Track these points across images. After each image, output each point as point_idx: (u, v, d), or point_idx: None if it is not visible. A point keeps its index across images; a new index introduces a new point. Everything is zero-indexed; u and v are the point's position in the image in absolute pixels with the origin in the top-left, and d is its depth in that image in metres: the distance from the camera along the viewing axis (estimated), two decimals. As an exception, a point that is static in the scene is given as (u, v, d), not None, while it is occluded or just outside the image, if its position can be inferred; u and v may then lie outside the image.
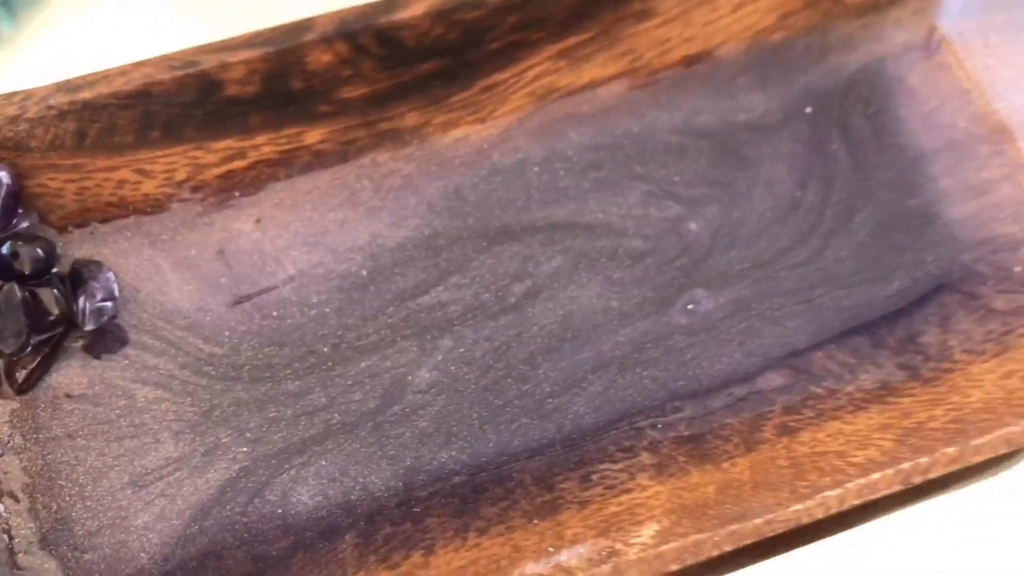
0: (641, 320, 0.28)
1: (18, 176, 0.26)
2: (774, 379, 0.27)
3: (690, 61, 0.30)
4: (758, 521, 0.22)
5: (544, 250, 0.28)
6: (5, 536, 0.23)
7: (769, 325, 0.28)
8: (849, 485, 0.22)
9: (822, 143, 0.30)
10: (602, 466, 0.25)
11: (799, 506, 0.22)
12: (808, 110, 0.31)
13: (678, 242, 0.29)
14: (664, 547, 0.22)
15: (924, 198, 0.29)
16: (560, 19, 0.29)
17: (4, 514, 0.24)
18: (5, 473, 0.24)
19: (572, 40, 0.29)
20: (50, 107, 0.26)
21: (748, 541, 0.22)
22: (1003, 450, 0.23)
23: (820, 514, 0.22)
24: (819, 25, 0.31)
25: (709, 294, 0.28)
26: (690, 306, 0.28)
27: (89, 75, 0.26)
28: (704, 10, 0.30)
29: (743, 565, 0.27)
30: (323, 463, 0.26)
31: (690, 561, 0.22)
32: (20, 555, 0.23)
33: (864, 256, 0.29)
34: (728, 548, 0.22)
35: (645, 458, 0.25)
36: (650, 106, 0.30)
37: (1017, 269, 0.28)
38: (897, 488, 0.23)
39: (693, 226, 0.29)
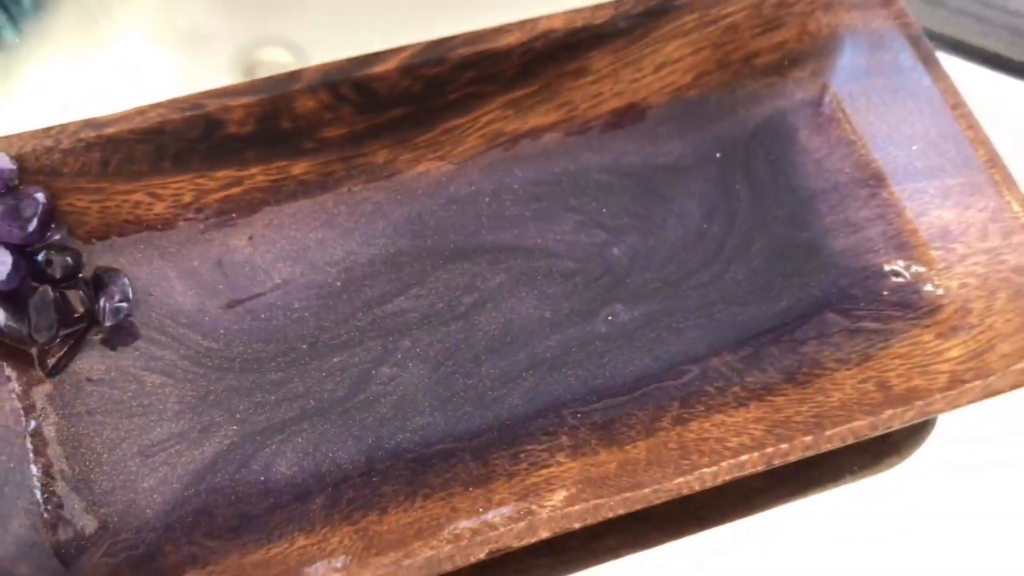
0: (569, 328, 0.33)
1: (52, 197, 0.31)
2: (675, 380, 0.32)
3: (619, 112, 0.36)
4: (647, 491, 0.27)
5: (490, 268, 0.34)
6: (38, 492, 0.28)
7: (674, 335, 0.33)
8: (722, 464, 0.28)
9: (728, 183, 0.35)
10: (529, 446, 0.30)
11: (680, 479, 0.27)
12: (718, 155, 0.36)
13: (602, 264, 0.34)
14: (569, 509, 0.27)
15: (812, 232, 0.35)
16: (509, 75, 0.34)
17: (37, 475, 0.29)
18: (42, 440, 0.29)
19: (519, 93, 0.34)
20: (80, 140, 0.31)
21: (639, 507, 0.27)
22: (850, 440, 0.29)
23: (698, 487, 0.28)
24: (729, 83, 0.36)
25: (626, 308, 0.33)
26: (610, 317, 0.33)
27: (113, 114, 0.31)
28: (631, 70, 0.35)
29: (674, 535, 0.32)
30: (299, 440, 0.31)
31: (590, 521, 0.27)
32: (49, 508, 0.28)
33: (758, 279, 0.34)
34: (622, 512, 0.27)
35: (564, 441, 0.30)
36: (584, 149, 0.35)
37: (885, 294, 0.34)
38: (761, 468, 0.28)
39: (616, 251, 0.34)
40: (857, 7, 0.35)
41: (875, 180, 0.35)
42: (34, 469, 0.29)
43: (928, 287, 0.33)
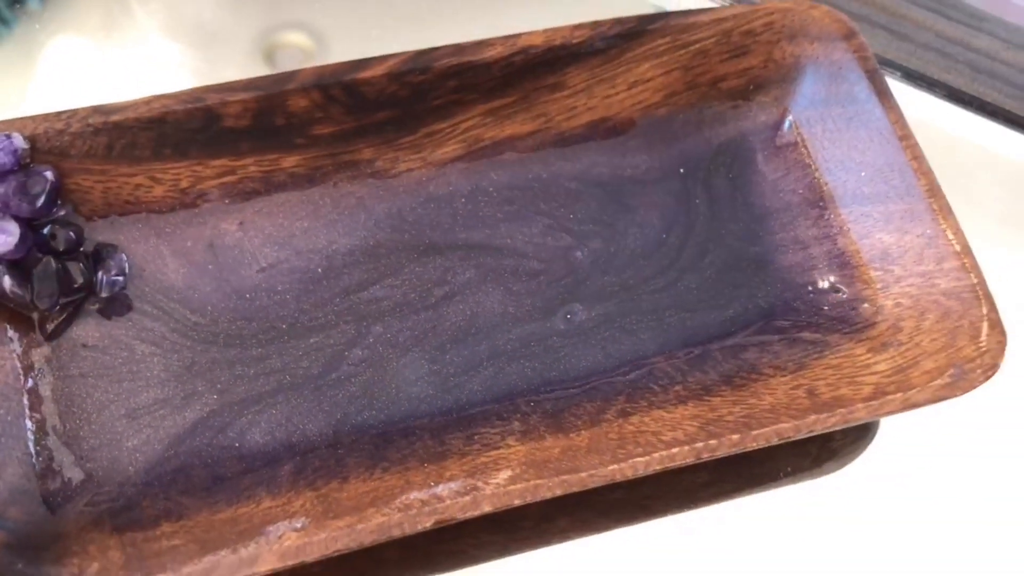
0: (529, 324, 0.35)
1: (60, 175, 0.34)
2: (624, 376, 0.34)
3: (591, 125, 0.38)
4: (583, 475, 0.30)
5: (462, 264, 0.36)
6: (31, 444, 0.31)
7: (627, 335, 0.35)
8: (654, 455, 0.30)
9: (689, 197, 0.38)
10: (483, 430, 0.33)
11: (615, 466, 0.30)
12: (681, 170, 0.38)
13: (566, 266, 0.36)
14: (511, 487, 0.29)
15: (762, 247, 0.37)
16: (489, 86, 0.36)
17: (32, 428, 0.31)
18: (38, 397, 0.32)
19: (497, 103, 0.37)
20: (88, 125, 0.34)
21: (575, 489, 0.30)
22: (775, 441, 0.31)
23: (630, 474, 0.30)
24: (697, 104, 0.39)
25: (584, 308, 0.36)
26: (568, 316, 0.36)
27: (120, 103, 0.34)
28: (605, 86, 0.38)
29: (621, 522, 0.35)
30: (273, 412, 0.33)
31: (529, 499, 0.29)
32: (40, 459, 0.31)
33: (709, 289, 0.36)
34: (559, 492, 0.30)
35: (516, 426, 0.33)
36: (556, 158, 0.38)
37: (825, 308, 0.36)
38: (691, 461, 0.31)
39: (579, 254, 0.37)
40: (820, 39, 0.38)
41: (824, 202, 0.37)
42: (29, 423, 0.31)
43: (865, 304, 0.35)
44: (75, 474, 0.31)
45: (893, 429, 0.39)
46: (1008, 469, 0.38)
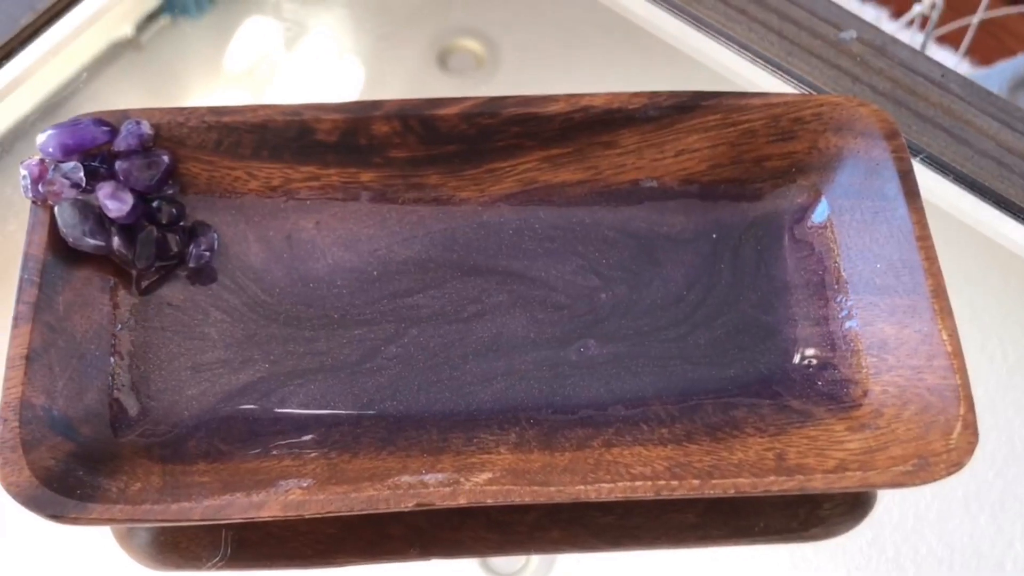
0: (545, 350, 0.39)
1: (175, 160, 0.40)
2: (619, 411, 0.38)
3: (636, 183, 0.42)
4: (552, 489, 0.33)
5: (497, 288, 0.41)
6: (111, 377, 0.38)
7: (631, 376, 0.39)
8: (618, 483, 0.34)
9: (715, 260, 0.41)
10: (482, 435, 0.37)
11: (580, 487, 0.33)
12: (714, 235, 0.42)
13: (589, 304, 0.40)
14: (487, 487, 0.33)
15: (774, 318, 0.40)
16: (548, 136, 0.41)
17: (114, 365, 0.38)
18: (123, 340, 0.38)
19: (554, 151, 0.41)
20: (203, 122, 0.40)
21: (541, 500, 0.33)
22: (731, 493, 0.34)
23: (594, 496, 0.33)
24: (739, 178, 0.42)
25: (597, 344, 0.40)
26: (582, 349, 0.40)
27: (232, 106, 0.40)
28: (654, 150, 0.41)
29: (609, 545, 0.38)
30: (312, 387, 0.38)
31: (501, 501, 0.33)
32: (115, 391, 0.38)
33: (716, 347, 0.40)
34: (528, 500, 0.34)
35: (511, 437, 0.37)
36: (600, 207, 0.42)
37: (819, 384, 0.39)
38: (651, 496, 0.34)
39: (603, 296, 0.41)
40: (864, 135, 0.40)
41: (839, 286, 0.40)
42: (112, 360, 0.38)
43: (855, 386, 0.38)
44: (139, 409, 0.37)
45: (890, 507, 0.41)
46: None
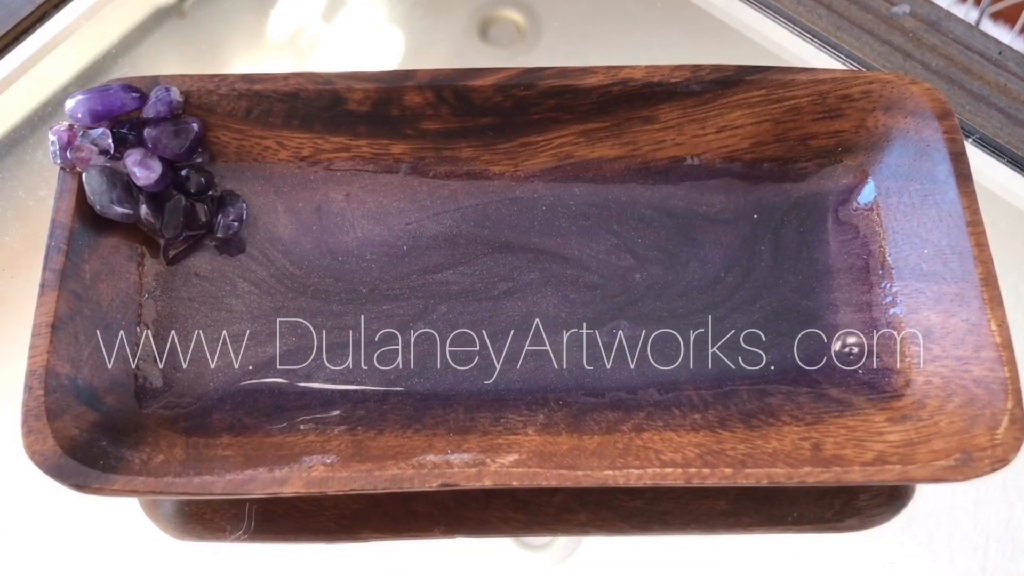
0: (577, 330, 0.38)
1: (204, 128, 0.40)
2: (651, 395, 0.37)
3: (676, 159, 0.41)
4: (579, 473, 0.33)
5: (529, 265, 0.40)
6: (136, 347, 0.37)
7: (663, 359, 0.38)
8: (647, 470, 0.33)
9: (756, 242, 0.40)
10: (510, 415, 0.36)
11: (608, 472, 0.33)
12: (755, 216, 0.40)
13: (623, 285, 0.39)
14: (513, 470, 0.33)
15: (815, 303, 0.39)
16: (585, 109, 0.40)
17: (139, 334, 0.37)
18: (150, 310, 0.38)
19: (592, 125, 0.40)
20: (234, 90, 0.39)
21: (568, 485, 0.33)
22: (764, 483, 0.33)
23: (622, 482, 0.33)
24: (783, 157, 0.41)
25: (631, 326, 0.39)
26: (614, 331, 0.39)
27: (263, 74, 0.39)
28: (695, 126, 0.40)
29: (638, 529, 0.37)
30: (339, 363, 0.38)
31: (527, 484, 0.33)
32: (140, 361, 0.37)
33: (753, 332, 0.38)
34: (554, 484, 0.33)
35: (540, 419, 0.36)
36: (637, 184, 0.41)
37: (859, 373, 0.37)
38: (681, 483, 0.33)
39: (638, 276, 0.40)
40: (914, 114, 0.39)
41: (884, 271, 0.38)
42: (138, 329, 0.37)
43: (898, 376, 0.37)
44: (164, 380, 0.37)
45: (929, 502, 0.40)
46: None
